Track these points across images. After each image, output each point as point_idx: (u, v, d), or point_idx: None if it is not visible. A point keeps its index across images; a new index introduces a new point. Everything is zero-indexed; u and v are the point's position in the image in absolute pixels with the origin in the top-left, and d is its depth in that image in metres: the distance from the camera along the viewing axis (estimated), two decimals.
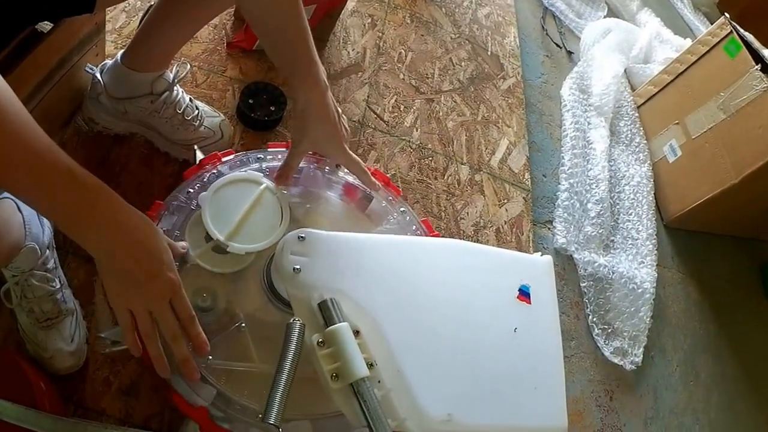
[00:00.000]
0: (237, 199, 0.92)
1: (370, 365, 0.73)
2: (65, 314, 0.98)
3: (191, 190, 0.94)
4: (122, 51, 1.11)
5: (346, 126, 1.02)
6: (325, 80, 0.94)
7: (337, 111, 0.98)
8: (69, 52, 1.09)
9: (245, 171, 0.96)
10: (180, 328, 0.73)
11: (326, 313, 0.73)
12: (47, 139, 0.63)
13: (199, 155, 1.01)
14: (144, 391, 1.00)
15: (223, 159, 0.99)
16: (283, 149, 1.03)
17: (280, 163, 0.99)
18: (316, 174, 1.03)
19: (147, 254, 0.70)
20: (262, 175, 0.96)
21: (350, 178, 1.04)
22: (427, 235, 1.03)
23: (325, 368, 0.71)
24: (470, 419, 0.80)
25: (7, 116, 0.58)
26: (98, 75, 1.13)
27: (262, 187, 0.94)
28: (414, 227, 1.04)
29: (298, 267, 0.75)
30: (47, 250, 0.99)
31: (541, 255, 1.03)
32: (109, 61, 1.14)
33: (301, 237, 0.77)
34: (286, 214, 0.93)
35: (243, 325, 0.86)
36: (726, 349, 1.83)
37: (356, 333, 0.74)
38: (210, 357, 0.81)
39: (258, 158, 1.01)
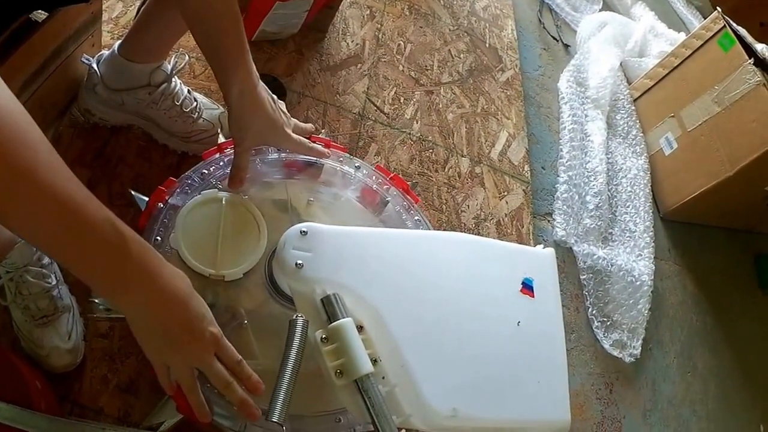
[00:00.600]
0: (205, 224, 0.89)
1: (375, 361, 0.72)
2: (61, 311, 0.95)
3: (206, 171, 0.94)
4: (119, 41, 1.09)
5: (284, 110, 1.00)
6: (256, 72, 0.91)
7: (272, 98, 0.95)
8: (64, 42, 1.06)
9: (199, 193, 0.92)
10: (230, 374, 0.71)
11: (329, 308, 0.72)
12: (83, 189, 0.57)
13: (221, 139, 0.99)
14: (143, 389, 0.98)
15: None
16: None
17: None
18: (336, 172, 1.03)
19: (188, 316, 0.67)
20: (216, 189, 0.92)
21: (369, 181, 1.03)
22: None
23: (329, 365, 0.70)
24: (475, 414, 0.79)
25: (38, 164, 0.52)
26: (95, 65, 1.11)
27: (223, 202, 0.91)
28: None
29: (300, 262, 0.74)
30: None
31: (544, 248, 1.02)
32: (105, 52, 1.12)
33: (303, 231, 0.76)
34: (259, 219, 0.91)
35: (245, 321, 0.85)
36: (721, 340, 1.84)
37: (360, 328, 0.73)
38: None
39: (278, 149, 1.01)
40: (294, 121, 1.03)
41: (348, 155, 1.05)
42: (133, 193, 0.98)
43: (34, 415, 0.81)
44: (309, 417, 0.79)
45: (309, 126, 1.05)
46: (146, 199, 0.91)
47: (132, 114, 1.17)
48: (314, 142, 1.05)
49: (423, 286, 0.83)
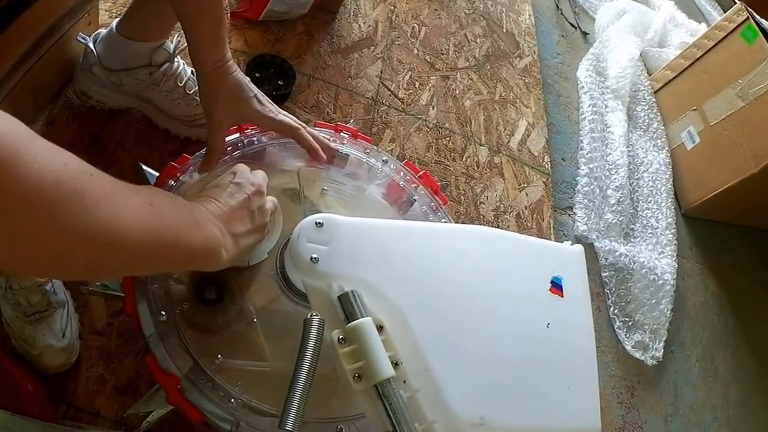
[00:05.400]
0: None
1: (395, 364, 0.66)
2: (55, 307, 0.89)
3: None
4: (118, 19, 1.03)
5: (268, 99, 0.95)
6: (229, 49, 0.89)
7: (249, 81, 0.92)
8: (59, 20, 1.00)
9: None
10: None
11: (347, 306, 0.66)
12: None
13: None
14: (143, 389, 0.91)
15: None
16: (331, 129, 0.98)
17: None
18: (362, 164, 0.96)
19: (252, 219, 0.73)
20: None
21: (396, 176, 0.97)
22: None
23: (346, 368, 0.63)
24: (504, 421, 0.73)
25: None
26: (91, 45, 1.05)
27: None
28: None
29: (315, 256, 0.67)
30: None
31: (572, 244, 0.95)
32: (103, 30, 1.06)
33: (319, 223, 0.69)
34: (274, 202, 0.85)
35: (254, 320, 0.79)
36: (743, 344, 1.77)
37: (380, 328, 0.67)
38: (220, 356, 0.75)
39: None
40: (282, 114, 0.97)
41: (375, 147, 0.98)
42: (143, 166, 0.93)
43: (26, 421, 0.73)
44: (308, 423, 0.74)
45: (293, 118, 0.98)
46: (156, 174, 0.87)
47: (131, 96, 1.11)
48: (340, 131, 0.99)
49: (448, 284, 0.76)
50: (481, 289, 0.78)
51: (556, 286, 0.86)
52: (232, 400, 0.72)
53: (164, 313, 0.74)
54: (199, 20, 0.82)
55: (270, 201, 0.78)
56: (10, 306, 0.86)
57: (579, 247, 0.94)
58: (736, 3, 1.82)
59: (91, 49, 1.04)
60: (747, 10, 1.77)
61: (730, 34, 1.81)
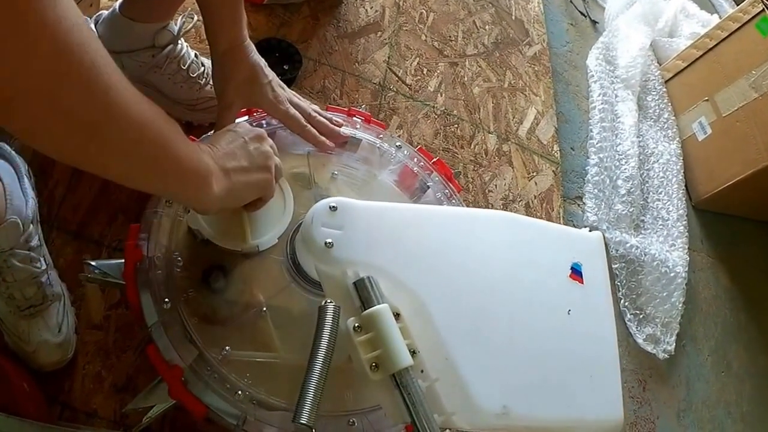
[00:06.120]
0: None
1: (413, 353, 0.62)
2: (51, 300, 0.84)
3: None
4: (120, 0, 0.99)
5: (282, 84, 0.93)
6: (246, 30, 0.87)
7: (265, 64, 0.90)
8: None
9: None
10: None
11: (363, 293, 0.62)
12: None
13: None
14: (142, 387, 0.86)
15: None
16: (344, 114, 0.96)
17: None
18: (374, 150, 0.93)
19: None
20: None
21: (410, 162, 0.93)
22: None
23: (363, 357, 0.60)
24: (528, 412, 0.70)
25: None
26: (92, 26, 1.01)
27: None
28: None
29: (330, 241, 0.64)
30: (31, 225, 0.84)
31: (590, 230, 0.92)
32: (105, 12, 1.02)
33: (333, 207, 0.66)
34: (284, 185, 0.83)
35: (264, 309, 0.75)
36: (756, 338, 1.75)
37: (397, 316, 0.63)
38: (227, 348, 0.71)
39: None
40: (295, 99, 0.94)
41: (389, 133, 0.95)
42: None
43: (24, 423, 0.70)
44: (320, 417, 0.70)
45: (305, 104, 0.94)
46: None
47: (132, 79, 1.06)
48: (353, 115, 0.96)
49: (466, 269, 0.72)
50: (501, 274, 0.75)
51: (576, 273, 0.84)
52: (239, 392, 0.69)
53: (168, 300, 0.71)
54: None
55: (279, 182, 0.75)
56: (3, 300, 0.82)
57: (598, 234, 0.91)
58: None
59: (93, 31, 1.00)
60: (762, 2, 1.73)
61: (744, 25, 1.77)
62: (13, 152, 0.90)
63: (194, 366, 0.69)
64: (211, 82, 1.10)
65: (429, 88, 1.49)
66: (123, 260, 0.73)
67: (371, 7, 1.54)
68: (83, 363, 0.87)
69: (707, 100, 1.84)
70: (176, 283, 0.73)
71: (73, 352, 0.86)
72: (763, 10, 1.72)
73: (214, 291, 0.74)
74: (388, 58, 1.47)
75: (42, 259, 0.85)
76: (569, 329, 0.79)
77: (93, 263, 0.75)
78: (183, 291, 0.73)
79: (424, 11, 1.63)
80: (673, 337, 1.51)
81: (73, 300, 0.90)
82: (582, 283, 0.84)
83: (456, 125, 1.47)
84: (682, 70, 1.97)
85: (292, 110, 0.89)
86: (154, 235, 0.75)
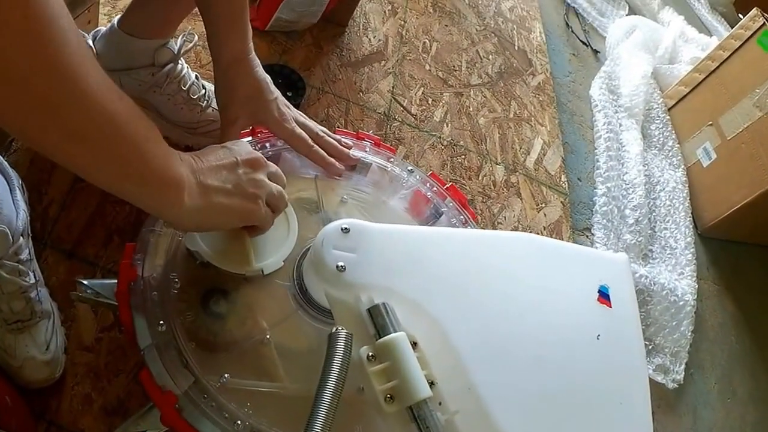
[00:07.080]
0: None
1: (431, 383, 0.59)
2: (39, 317, 0.81)
3: None
4: (119, 15, 0.97)
5: (287, 103, 0.88)
6: (251, 44, 0.83)
7: (269, 81, 0.86)
8: None
9: None
10: None
11: (378, 320, 0.59)
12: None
13: None
14: (134, 411, 0.82)
15: None
16: (352, 137, 0.93)
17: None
18: (384, 174, 0.90)
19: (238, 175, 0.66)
20: None
21: (423, 187, 0.90)
22: None
23: (377, 388, 0.57)
24: None
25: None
26: (90, 42, 0.99)
27: None
28: None
29: (342, 264, 0.61)
30: (21, 238, 0.82)
31: (615, 252, 0.89)
32: (103, 28, 1.00)
33: (345, 229, 0.63)
34: (288, 210, 0.79)
35: (267, 336, 0.72)
36: (760, 364, 1.72)
37: (414, 344, 0.60)
38: (227, 375, 0.67)
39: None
40: (301, 118, 0.89)
41: (399, 157, 0.92)
42: None
43: None
44: None
45: (312, 124, 0.90)
46: None
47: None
48: (362, 139, 0.93)
49: (490, 294, 0.69)
50: (526, 299, 0.72)
51: (604, 296, 0.80)
52: (239, 422, 0.65)
53: (163, 323, 0.67)
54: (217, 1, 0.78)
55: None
56: None
57: (623, 255, 0.88)
58: (741, 17, 1.78)
59: (91, 47, 0.98)
60: (763, 15, 1.73)
61: (746, 42, 1.76)
62: (7, 165, 0.88)
63: (190, 393, 0.65)
64: (213, 105, 1.07)
65: (435, 118, 1.48)
66: (116, 280, 0.70)
67: (374, 36, 1.54)
68: (72, 383, 0.84)
69: (711, 124, 1.83)
70: (173, 305, 0.69)
71: (61, 372, 0.83)
72: (764, 24, 1.71)
73: (214, 315, 0.71)
74: (393, 87, 1.47)
75: (32, 273, 0.82)
76: (599, 355, 0.75)
77: (85, 282, 0.71)
78: (180, 314, 0.69)
79: (427, 41, 1.64)
80: (682, 366, 1.48)
81: (63, 320, 0.88)
82: (610, 306, 0.80)
83: (463, 156, 1.46)
84: (685, 96, 1.97)
85: (299, 130, 0.85)
86: (150, 254, 0.71)
